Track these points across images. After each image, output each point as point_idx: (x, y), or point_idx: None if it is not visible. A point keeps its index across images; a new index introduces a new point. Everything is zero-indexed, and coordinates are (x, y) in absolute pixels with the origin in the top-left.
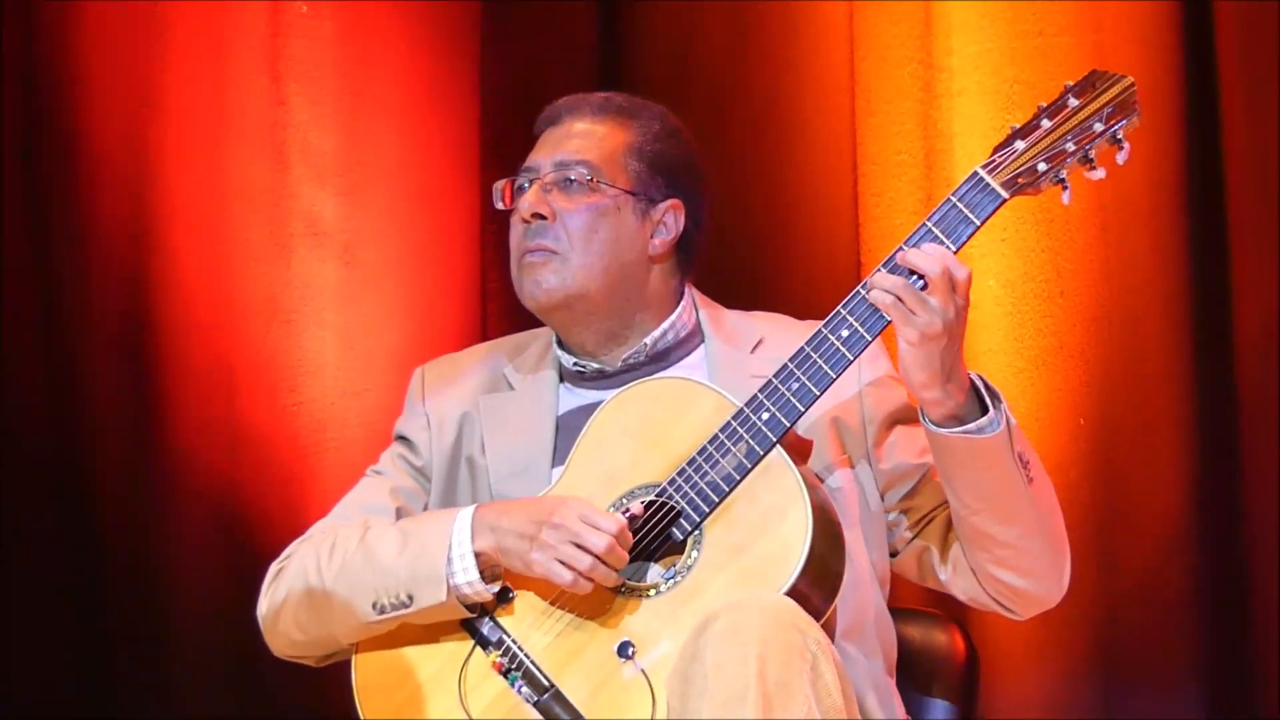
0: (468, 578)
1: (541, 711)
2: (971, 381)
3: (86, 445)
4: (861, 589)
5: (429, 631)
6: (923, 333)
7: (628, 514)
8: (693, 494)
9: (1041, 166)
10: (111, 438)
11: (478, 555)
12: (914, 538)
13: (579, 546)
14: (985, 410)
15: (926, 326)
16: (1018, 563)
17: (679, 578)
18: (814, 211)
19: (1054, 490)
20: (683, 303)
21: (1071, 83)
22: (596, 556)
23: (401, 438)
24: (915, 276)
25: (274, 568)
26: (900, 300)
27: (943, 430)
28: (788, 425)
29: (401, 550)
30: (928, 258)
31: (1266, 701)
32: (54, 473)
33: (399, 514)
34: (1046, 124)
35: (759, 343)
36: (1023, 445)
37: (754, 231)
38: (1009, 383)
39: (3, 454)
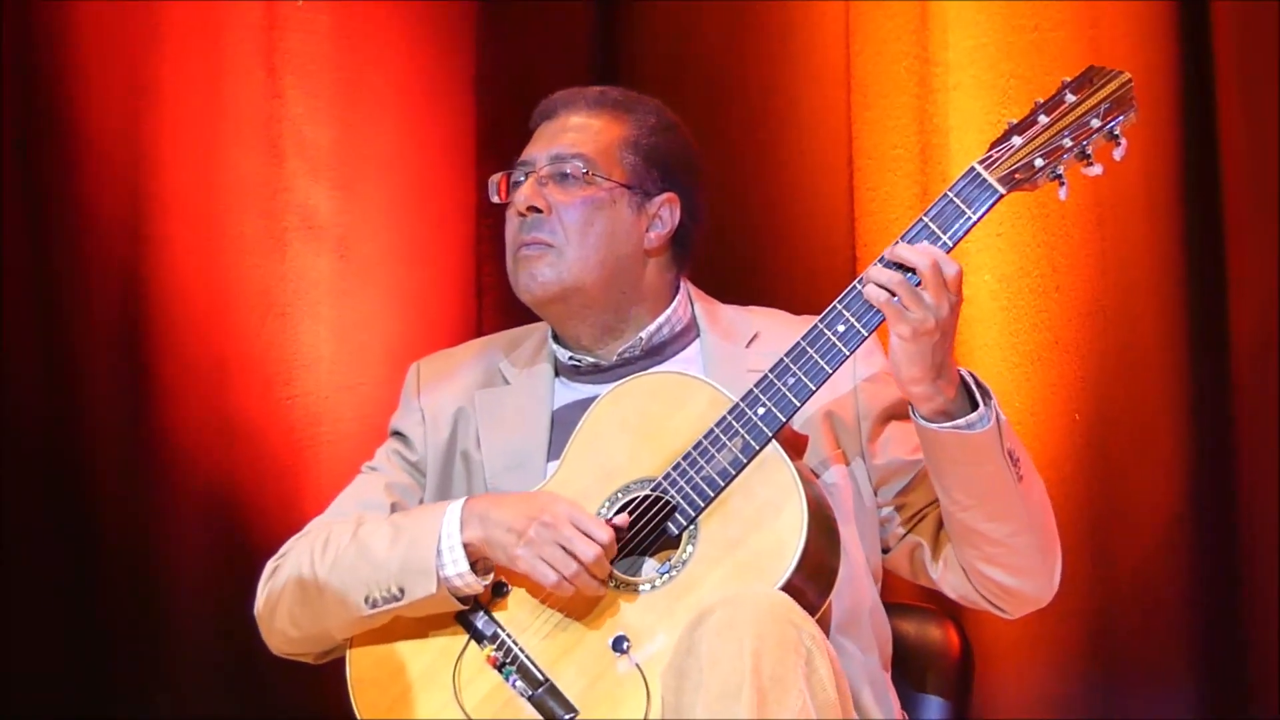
0: (458, 569)
1: (536, 706)
2: (962, 377)
3: (83, 440)
4: (857, 584)
5: (423, 626)
6: (915, 329)
7: (611, 524)
8: (688, 489)
9: (1038, 162)
10: (108, 432)
11: (467, 546)
12: (906, 534)
13: (566, 551)
14: (975, 406)
15: (920, 323)
16: (1007, 561)
17: (674, 572)
18: (810, 206)
19: (1045, 488)
20: (678, 297)
21: (1069, 78)
22: (583, 565)
23: (397, 433)
24: (910, 272)
25: (270, 565)
26: (894, 296)
27: (932, 425)
28: (783, 420)
29: (393, 543)
30: (917, 253)
31: (1262, 699)
32: (51, 468)
33: (394, 510)
34: (1043, 120)
35: (754, 337)
36: (1012, 442)
37: (750, 226)
38: (1004, 378)
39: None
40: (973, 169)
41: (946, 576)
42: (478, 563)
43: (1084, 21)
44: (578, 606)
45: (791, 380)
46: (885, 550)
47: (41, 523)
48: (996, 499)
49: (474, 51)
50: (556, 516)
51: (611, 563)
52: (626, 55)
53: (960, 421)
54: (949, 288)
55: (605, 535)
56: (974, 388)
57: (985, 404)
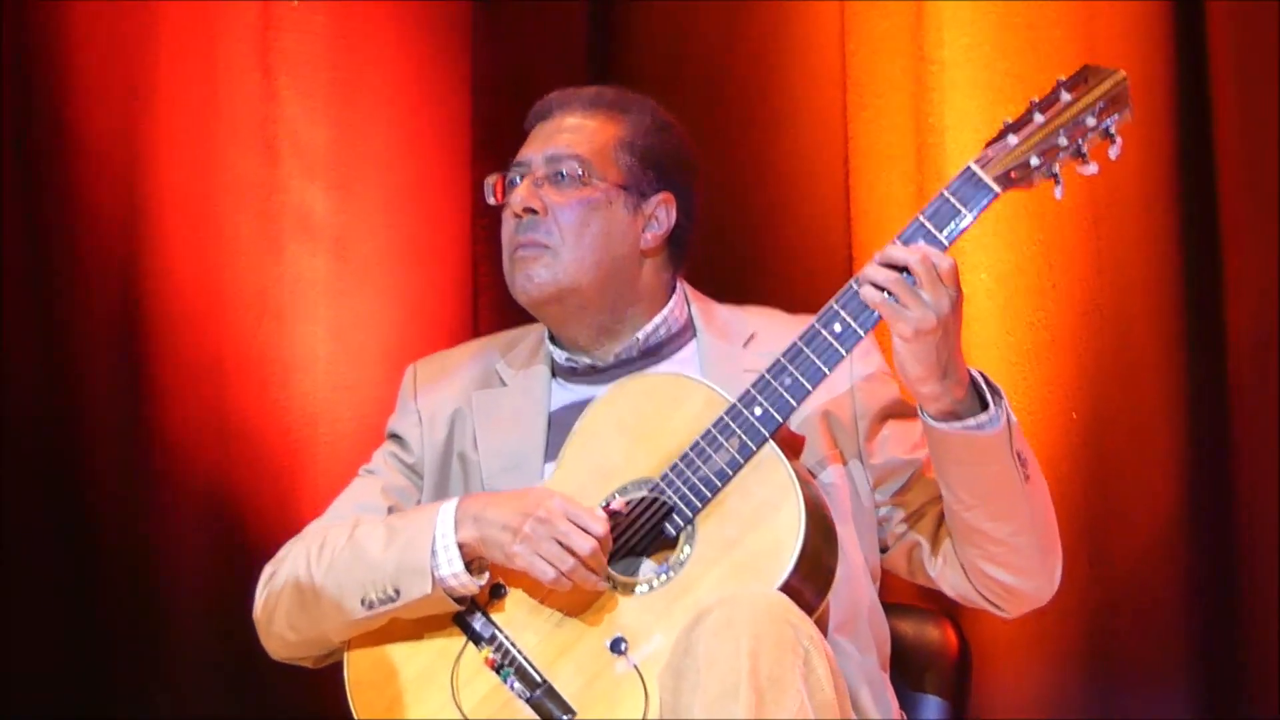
0: (453, 569)
1: (534, 707)
2: (971, 377)
3: (81, 441)
4: (855, 584)
5: (421, 627)
6: (917, 328)
7: (609, 509)
8: (685, 489)
9: (1034, 161)
10: (105, 433)
11: (462, 546)
12: (905, 533)
13: (563, 546)
14: (985, 406)
15: (920, 322)
16: (1009, 560)
17: (672, 573)
18: (806, 205)
19: (1048, 488)
20: (675, 297)
21: (1064, 77)
22: (579, 558)
23: (394, 435)
24: (905, 272)
25: (267, 569)
26: (892, 296)
27: (941, 425)
28: (780, 420)
29: (388, 544)
30: (908, 251)
31: (1261, 699)
32: (49, 468)
33: (391, 513)
34: (1039, 118)
35: (751, 337)
36: (1021, 444)
37: (746, 226)
38: (1000, 377)
39: None
40: (968, 168)
41: (945, 574)
42: (473, 562)
43: (1079, 20)
44: (575, 607)
45: (788, 381)
46: (883, 549)
47: (40, 523)
48: (1002, 499)
49: (469, 51)
50: (551, 512)
51: (610, 563)
52: (622, 55)
53: (970, 422)
54: (945, 282)
55: (601, 528)
56: (984, 387)
57: (996, 404)
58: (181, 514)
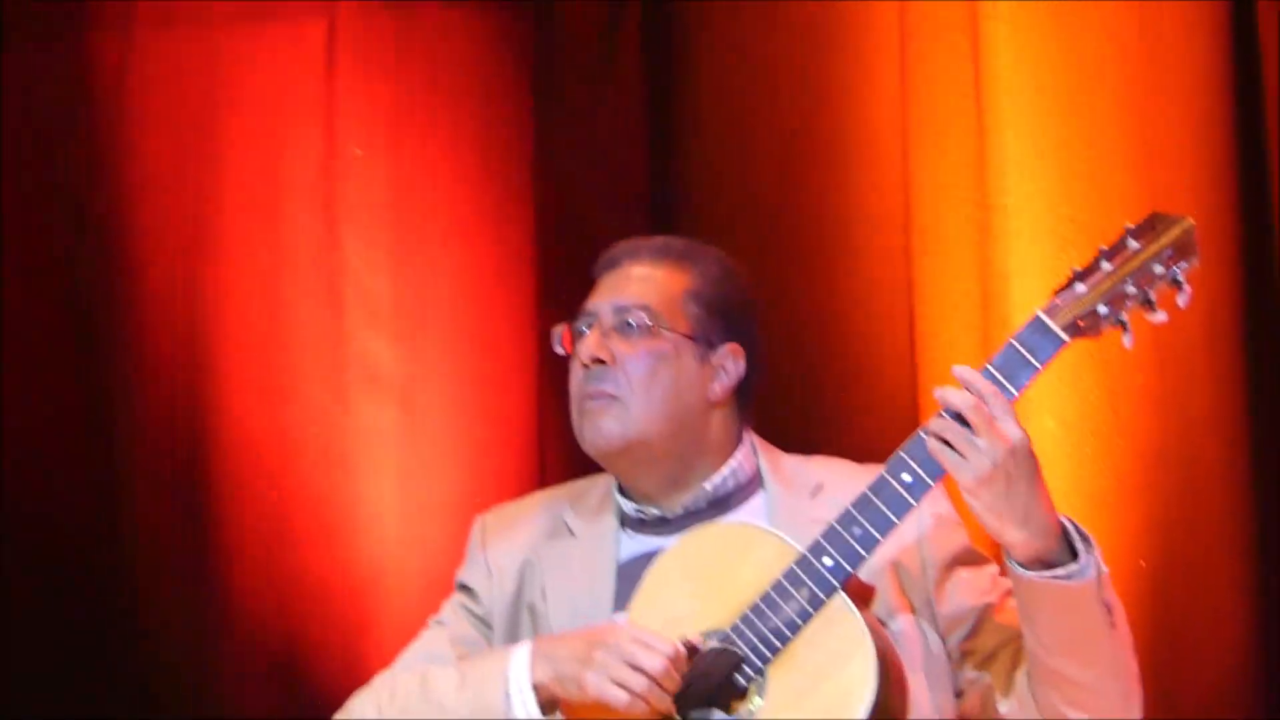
0: (527, 712)
1: None
2: (1063, 525)
3: (141, 597)
4: None
5: None
6: (976, 477)
7: (686, 644)
8: (756, 640)
9: (1102, 310)
10: (168, 587)
11: (536, 689)
12: (977, 677)
13: (633, 667)
14: (1074, 552)
15: (978, 470)
16: (1090, 703)
17: None
18: (870, 353)
19: (1131, 633)
20: (742, 447)
21: (1131, 224)
22: (651, 678)
23: (463, 587)
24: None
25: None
26: (947, 444)
27: (1028, 574)
28: (850, 570)
29: (460, 688)
30: (963, 395)
31: None
32: (109, 624)
33: None
34: (1106, 266)
35: (819, 488)
36: (1109, 593)
37: (809, 373)
38: None
39: (59, 601)
40: (1037, 316)
41: (1019, 716)
42: (545, 705)
43: (1141, 165)
44: None
45: (858, 531)
46: (957, 694)
47: (102, 679)
48: (1087, 646)
49: (531, 198)
50: (619, 636)
51: (682, 713)
52: (681, 197)
53: (1060, 571)
54: (1002, 423)
55: (669, 647)
56: (1074, 534)
57: (1087, 552)
58: (248, 668)
